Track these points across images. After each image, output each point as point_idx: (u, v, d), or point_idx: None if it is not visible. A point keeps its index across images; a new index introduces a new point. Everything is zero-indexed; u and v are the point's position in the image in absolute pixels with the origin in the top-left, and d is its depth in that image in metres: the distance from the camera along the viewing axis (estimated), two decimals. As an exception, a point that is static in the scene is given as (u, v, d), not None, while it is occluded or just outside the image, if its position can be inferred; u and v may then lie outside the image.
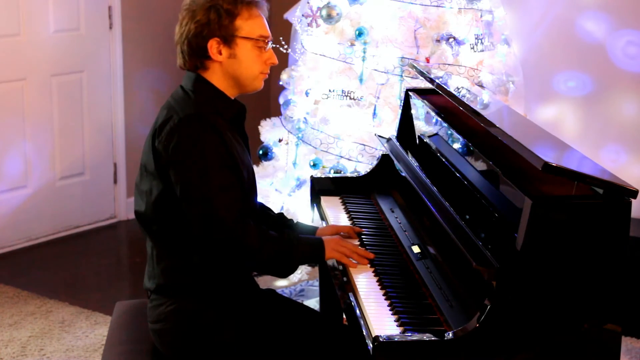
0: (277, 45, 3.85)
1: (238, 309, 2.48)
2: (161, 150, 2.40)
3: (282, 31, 4.32)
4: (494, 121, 2.39)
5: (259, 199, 2.71)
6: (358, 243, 2.68)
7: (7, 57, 4.68)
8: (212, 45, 2.44)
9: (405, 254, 2.62)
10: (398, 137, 3.16)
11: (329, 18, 3.85)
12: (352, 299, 2.36)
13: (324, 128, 3.89)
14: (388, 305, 2.29)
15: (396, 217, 2.89)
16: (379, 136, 3.27)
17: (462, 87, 3.19)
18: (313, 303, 3.94)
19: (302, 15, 3.95)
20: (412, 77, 3.76)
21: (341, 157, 3.84)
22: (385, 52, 3.78)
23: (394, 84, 3.80)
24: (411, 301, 2.31)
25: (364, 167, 3.72)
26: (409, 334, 2.10)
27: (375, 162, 3.26)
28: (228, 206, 2.37)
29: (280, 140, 4.05)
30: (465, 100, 2.68)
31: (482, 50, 3.88)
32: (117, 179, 5.33)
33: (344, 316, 2.48)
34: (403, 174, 2.89)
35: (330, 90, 3.87)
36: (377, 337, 2.05)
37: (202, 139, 2.37)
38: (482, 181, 2.48)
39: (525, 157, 2.13)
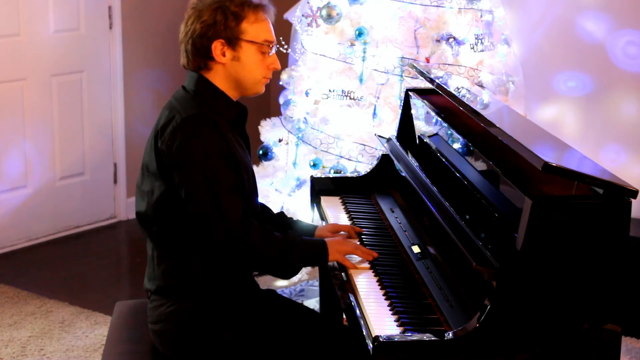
0: (277, 46, 3.85)
1: (238, 310, 2.48)
2: (164, 151, 2.40)
3: (282, 31, 4.32)
4: (494, 121, 2.39)
5: (259, 199, 2.71)
6: (358, 243, 2.67)
7: (7, 57, 4.68)
8: (216, 47, 2.44)
9: (405, 254, 2.62)
10: (398, 137, 3.16)
11: (329, 18, 3.85)
12: (352, 299, 2.36)
13: (324, 128, 3.89)
14: (388, 305, 2.29)
15: (396, 217, 2.89)
16: (379, 136, 3.27)
17: (462, 87, 3.19)
18: (313, 303, 3.94)
19: (302, 15, 3.96)
20: (412, 77, 3.76)
21: (341, 157, 3.85)
22: (385, 52, 3.78)
23: (394, 84, 3.80)
24: (411, 301, 2.31)
25: (364, 167, 3.72)
26: (409, 334, 2.10)
27: (375, 162, 3.26)
28: (233, 206, 2.37)
29: (280, 140, 4.05)
30: (465, 100, 2.68)
31: (482, 50, 3.88)
32: (117, 179, 5.33)
33: (344, 316, 2.48)
34: (403, 174, 2.89)
35: (330, 90, 3.87)
36: (377, 337, 2.05)
37: (206, 139, 2.37)
38: (482, 181, 2.48)
39: (525, 157, 2.12)
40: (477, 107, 2.64)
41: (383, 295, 2.35)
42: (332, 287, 2.71)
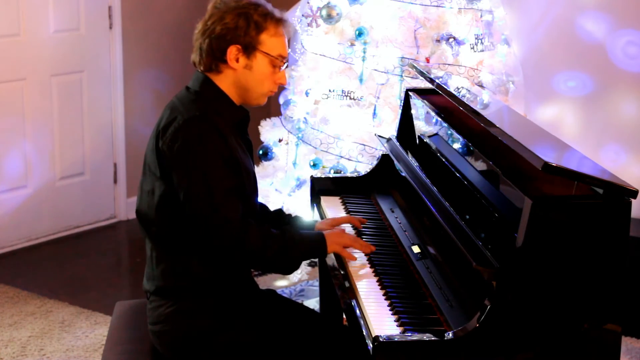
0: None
1: (238, 310, 2.48)
2: (165, 151, 2.40)
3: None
4: (494, 121, 2.39)
5: (259, 199, 2.71)
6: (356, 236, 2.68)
7: (7, 57, 4.68)
8: (232, 51, 2.44)
9: (405, 254, 2.62)
10: (398, 137, 3.16)
11: (329, 18, 3.85)
12: (352, 299, 2.36)
13: (324, 128, 3.89)
14: (388, 305, 2.29)
15: (396, 217, 2.89)
16: (379, 136, 3.27)
17: (462, 87, 3.19)
18: (313, 303, 3.94)
19: (302, 15, 3.96)
20: (412, 77, 3.76)
21: (341, 157, 3.85)
22: (385, 52, 3.78)
23: (394, 84, 3.80)
24: (411, 301, 2.31)
25: (364, 167, 3.72)
26: (409, 334, 2.10)
27: (375, 162, 3.26)
28: (232, 208, 2.37)
29: (280, 140, 4.05)
30: (465, 100, 2.68)
31: (482, 50, 3.89)
32: (117, 179, 5.33)
33: (344, 316, 2.48)
34: (403, 174, 2.89)
35: (330, 90, 3.87)
36: (377, 337, 2.05)
37: (207, 140, 2.37)
38: (482, 181, 2.48)
39: (525, 157, 2.12)
40: (477, 107, 2.64)
41: (383, 295, 2.35)
42: (332, 287, 2.71)
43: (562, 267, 2.06)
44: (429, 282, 2.40)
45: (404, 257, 2.61)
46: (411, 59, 3.74)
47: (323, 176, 3.28)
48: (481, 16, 3.91)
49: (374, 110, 3.81)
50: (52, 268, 4.63)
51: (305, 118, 3.94)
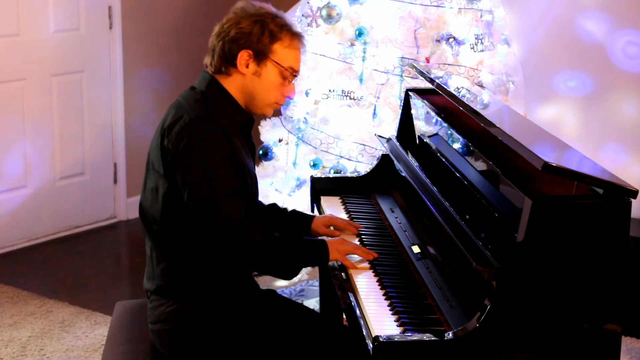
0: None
1: (238, 310, 2.49)
2: (170, 149, 2.40)
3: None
4: (494, 121, 2.39)
5: (259, 199, 2.71)
6: (358, 243, 2.68)
7: (7, 57, 4.68)
8: (243, 56, 2.45)
9: (405, 254, 2.62)
10: (398, 137, 3.16)
11: (329, 18, 3.85)
12: (352, 299, 2.36)
13: (324, 128, 3.89)
14: (388, 305, 2.29)
15: (396, 217, 2.89)
16: (379, 136, 3.27)
17: (462, 87, 3.19)
18: (313, 303, 3.94)
19: (302, 15, 3.95)
20: (412, 77, 3.76)
21: (341, 157, 3.84)
22: (385, 52, 3.78)
23: (394, 84, 3.80)
24: (411, 301, 2.31)
25: (364, 167, 3.72)
26: (409, 334, 2.10)
27: (375, 162, 3.26)
28: (234, 209, 2.38)
29: (280, 140, 4.05)
30: (465, 100, 2.68)
31: (482, 50, 3.88)
32: (117, 179, 5.33)
33: (344, 316, 2.48)
34: (403, 174, 2.89)
35: (330, 90, 3.87)
36: (377, 337, 2.05)
37: (212, 140, 2.38)
38: (482, 181, 2.48)
39: (525, 157, 2.13)
40: (477, 107, 2.64)
41: (383, 295, 2.35)
42: (332, 287, 2.71)
43: (562, 267, 2.06)
44: (429, 282, 2.40)
45: (404, 257, 2.61)
46: (411, 59, 3.74)
47: (323, 176, 3.28)
48: (481, 16, 3.91)
49: (374, 110, 3.81)
50: (52, 268, 4.63)
51: (305, 118, 3.94)
